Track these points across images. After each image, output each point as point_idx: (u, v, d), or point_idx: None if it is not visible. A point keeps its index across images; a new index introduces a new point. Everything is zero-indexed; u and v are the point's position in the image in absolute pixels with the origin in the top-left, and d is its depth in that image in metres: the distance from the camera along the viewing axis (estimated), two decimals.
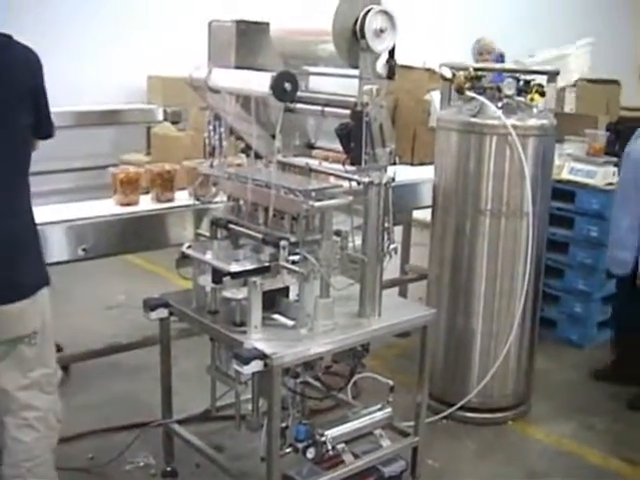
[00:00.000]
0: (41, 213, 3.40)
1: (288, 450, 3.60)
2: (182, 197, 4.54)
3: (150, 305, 3.80)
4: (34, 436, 3.25)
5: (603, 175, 5.81)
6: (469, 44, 7.68)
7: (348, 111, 3.45)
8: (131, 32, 8.34)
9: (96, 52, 7.71)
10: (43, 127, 3.19)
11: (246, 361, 3.25)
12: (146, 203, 4.48)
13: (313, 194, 3.44)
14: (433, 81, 8.44)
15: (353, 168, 3.51)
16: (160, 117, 8.66)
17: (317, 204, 3.40)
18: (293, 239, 3.44)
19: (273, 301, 3.65)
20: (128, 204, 4.38)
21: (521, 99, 4.74)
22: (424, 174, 5.47)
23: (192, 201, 4.14)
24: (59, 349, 4.22)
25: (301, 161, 3.87)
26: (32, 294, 3.11)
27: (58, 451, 3.70)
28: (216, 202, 4.07)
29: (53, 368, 3.32)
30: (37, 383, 3.23)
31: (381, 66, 3.51)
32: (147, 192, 4.54)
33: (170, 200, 4.50)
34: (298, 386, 3.92)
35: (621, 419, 4.77)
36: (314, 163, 3.86)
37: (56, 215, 4.08)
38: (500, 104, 4.60)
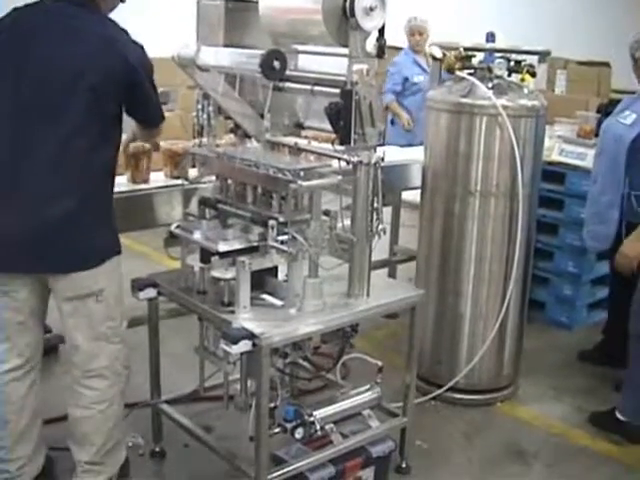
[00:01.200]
0: None
1: (277, 430, 3.60)
2: (159, 178, 4.61)
3: (138, 285, 3.79)
4: (105, 383, 3.55)
5: (593, 157, 5.80)
6: (459, 24, 7.66)
7: (337, 90, 3.43)
8: (119, 13, 8.27)
9: None
10: (139, 117, 3.65)
11: (234, 341, 3.24)
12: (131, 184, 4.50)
13: (302, 173, 3.42)
14: None
15: (342, 148, 3.49)
16: None
17: (305, 183, 3.38)
18: (282, 219, 3.42)
19: (262, 281, 3.63)
20: None
21: (512, 80, 4.73)
22: (413, 155, 5.45)
23: (168, 182, 4.20)
24: (48, 330, 4.21)
25: (290, 140, 3.85)
26: (100, 264, 3.40)
27: (46, 432, 3.74)
28: (204, 182, 4.04)
29: (119, 320, 3.58)
30: (104, 335, 3.50)
31: (371, 45, 3.49)
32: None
33: (145, 181, 4.55)
34: (287, 366, 3.91)
35: (609, 401, 4.77)
36: (303, 142, 3.83)
37: None
38: (491, 84, 4.58)
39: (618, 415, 4.51)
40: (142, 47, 3.48)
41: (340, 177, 3.51)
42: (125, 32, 3.47)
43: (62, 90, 3.24)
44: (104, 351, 3.52)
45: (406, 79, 7.70)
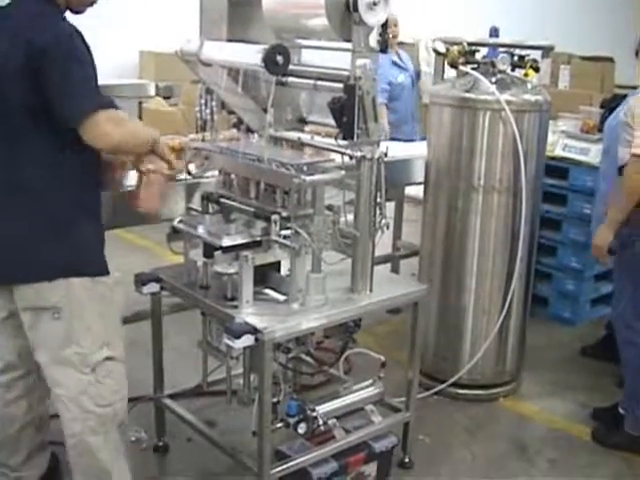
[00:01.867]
0: None
1: (279, 425, 3.60)
2: None
3: (141, 280, 3.79)
4: (68, 416, 3.26)
5: (596, 152, 5.77)
6: (462, 19, 7.64)
7: (341, 85, 3.43)
8: (123, 7, 8.29)
9: (88, 27, 7.67)
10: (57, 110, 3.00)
11: (237, 335, 3.24)
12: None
13: (305, 168, 3.42)
14: None
15: (345, 142, 3.48)
16: (152, 92, 8.62)
17: (309, 178, 3.38)
18: (285, 214, 3.42)
19: (265, 276, 3.63)
20: None
21: (515, 74, 4.72)
22: (416, 150, 5.45)
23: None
24: None
25: (293, 135, 3.85)
26: (50, 279, 3.11)
27: (50, 425, 3.71)
28: (207, 176, 4.04)
29: (88, 349, 3.21)
30: (69, 361, 3.19)
31: (374, 40, 3.48)
32: None
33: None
34: (290, 361, 3.92)
35: (611, 396, 4.77)
36: (306, 137, 3.83)
37: None
38: (494, 79, 4.57)
39: (621, 411, 4.51)
40: (65, 27, 3.07)
41: (343, 172, 3.51)
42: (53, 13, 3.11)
43: None
44: (69, 379, 3.22)
45: (390, 83, 7.56)
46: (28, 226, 3.09)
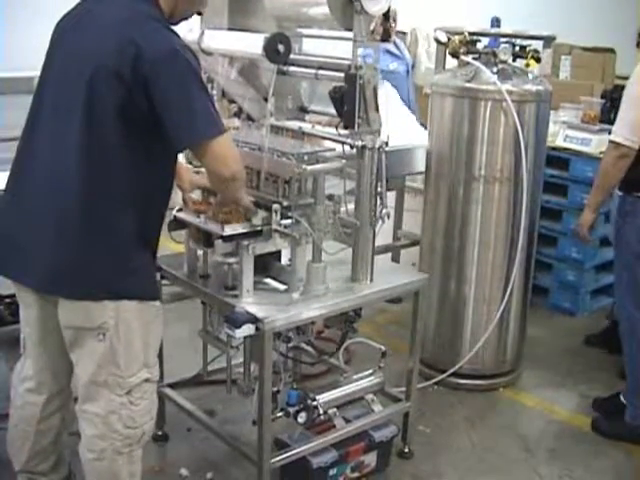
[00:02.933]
0: None
1: (279, 414, 3.59)
2: None
3: None
4: (94, 432, 3.10)
5: (598, 143, 5.78)
6: (463, 9, 7.62)
7: (342, 74, 3.42)
8: None
9: None
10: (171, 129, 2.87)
11: (238, 325, 3.23)
12: None
13: (305, 157, 3.41)
14: None
15: (346, 132, 3.48)
16: None
17: (309, 167, 3.37)
18: (285, 203, 3.41)
19: (265, 265, 3.63)
20: None
21: (517, 65, 4.71)
22: (417, 140, 5.43)
23: None
24: None
25: (294, 124, 3.84)
26: (99, 299, 2.95)
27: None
28: None
29: (128, 371, 3.06)
30: (105, 381, 3.04)
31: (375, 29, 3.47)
32: None
33: None
34: (290, 350, 3.92)
35: (612, 387, 4.78)
36: (307, 127, 3.82)
37: None
38: (495, 69, 4.56)
39: (623, 400, 4.51)
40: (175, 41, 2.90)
41: (344, 161, 3.50)
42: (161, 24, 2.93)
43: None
44: (100, 398, 3.08)
45: (382, 71, 7.55)
46: (88, 241, 2.92)
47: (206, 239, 3.53)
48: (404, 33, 8.01)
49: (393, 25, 7.30)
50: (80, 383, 3.11)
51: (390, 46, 7.50)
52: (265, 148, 3.49)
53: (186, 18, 3.21)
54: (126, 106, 2.83)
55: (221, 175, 2.98)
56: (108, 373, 3.03)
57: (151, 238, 3.11)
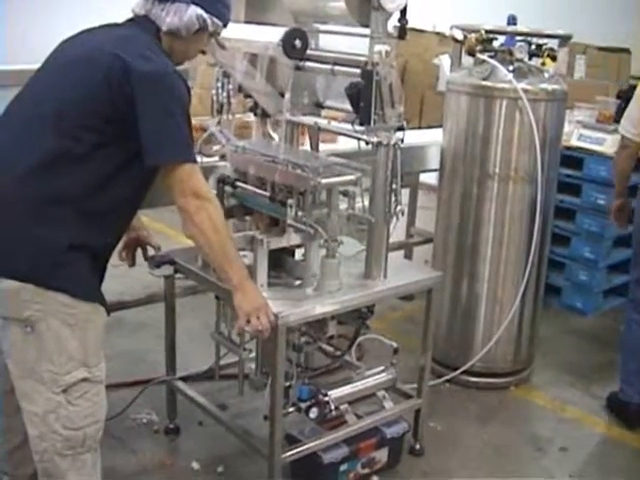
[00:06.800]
0: None
1: (291, 409, 3.60)
2: None
3: (155, 262, 3.76)
4: (35, 433, 2.99)
5: (612, 142, 5.75)
6: (480, 7, 7.60)
7: (358, 70, 3.42)
8: None
9: (100, 10, 7.68)
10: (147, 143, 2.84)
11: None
12: None
13: (321, 170, 3.40)
14: (442, 45, 8.41)
15: (362, 128, 3.48)
16: None
17: (324, 181, 3.37)
18: (300, 213, 3.42)
19: (279, 260, 3.63)
20: None
21: (532, 63, 4.70)
22: (432, 137, 5.43)
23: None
24: None
25: (310, 120, 3.84)
26: (24, 280, 2.80)
27: None
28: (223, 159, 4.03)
29: (62, 372, 2.89)
30: (39, 377, 2.92)
31: (392, 26, 3.47)
32: None
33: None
34: (303, 346, 3.91)
35: None
36: (323, 122, 3.82)
37: None
38: (511, 68, 4.55)
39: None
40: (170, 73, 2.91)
41: (360, 174, 3.49)
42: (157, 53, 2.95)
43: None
44: (38, 396, 2.91)
45: None
46: (24, 225, 2.81)
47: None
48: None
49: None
50: (14, 381, 2.97)
51: None
52: (280, 159, 3.47)
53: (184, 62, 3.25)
54: (107, 116, 2.82)
55: (178, 201, 2.95)
56: (45, 370, 2.89)
57: (95, 247, 2.96)
